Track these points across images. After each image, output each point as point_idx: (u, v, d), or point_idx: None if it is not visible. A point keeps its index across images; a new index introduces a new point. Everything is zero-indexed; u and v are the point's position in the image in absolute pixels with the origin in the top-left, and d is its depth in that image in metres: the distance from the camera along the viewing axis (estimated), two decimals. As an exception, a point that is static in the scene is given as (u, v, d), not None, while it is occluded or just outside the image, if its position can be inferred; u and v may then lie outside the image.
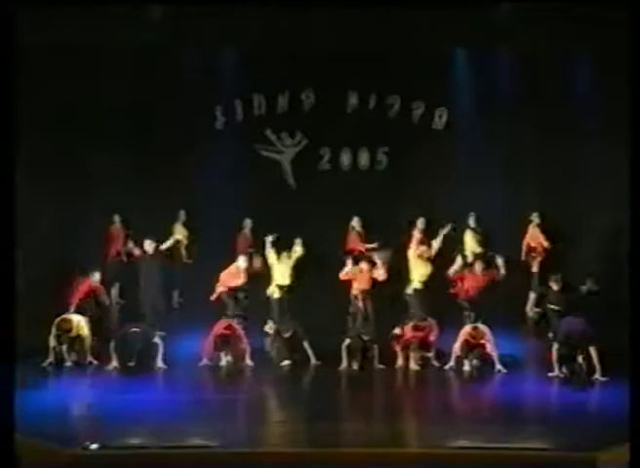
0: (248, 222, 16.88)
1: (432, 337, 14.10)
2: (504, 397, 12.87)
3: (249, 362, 14.03)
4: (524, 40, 16.77)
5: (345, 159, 17.81)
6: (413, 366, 13.92)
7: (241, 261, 15.30)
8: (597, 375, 13.13)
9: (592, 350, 13.19)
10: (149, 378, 13.52)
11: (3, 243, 9.96)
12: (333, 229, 16.89)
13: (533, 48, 16.97)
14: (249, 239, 16.82)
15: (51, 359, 13.87)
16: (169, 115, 17.12)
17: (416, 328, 14.02)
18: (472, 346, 13.67)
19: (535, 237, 16.97)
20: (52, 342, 13.87)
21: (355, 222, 17.09)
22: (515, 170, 17.56)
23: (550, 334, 14.48)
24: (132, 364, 13.84)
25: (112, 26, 16.25)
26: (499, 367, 13.57)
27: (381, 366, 13.87)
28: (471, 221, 17.03)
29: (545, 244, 16.85)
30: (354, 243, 17.03)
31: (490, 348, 13.66)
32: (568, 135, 17.34)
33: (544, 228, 16.93)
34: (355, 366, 13.87)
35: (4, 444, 9.32)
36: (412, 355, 13.93)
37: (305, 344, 14.08)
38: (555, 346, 13.41)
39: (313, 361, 14.02)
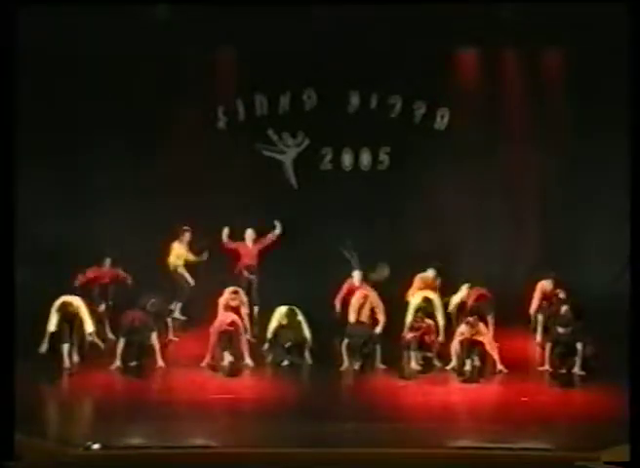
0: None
1: (430, 338, 14.08)
2: (505, 397, 12.90)
3: (249, 361, 14.02)
4: (527, 39, 16.75)
5: (347, 159, 17.79)
6: (414, 365, 13.94)
7: None
8: (576, 369, 13.32)
9: (579, 345, 13.34)
10: (150, 378, 13.55)
11: (3, 240, 10.03)
12: (333, 229, 16.85)
13: (535, 47, 16.96)
14: (250, 242, 16.64)
15: (46, 344, 13.49)
16: (170, 115, 17.10)
17: (412, 328, 14.05)
18: (472, 345, 13.65)
19: None
20: (51, 327, 13.44)
21: None
22: (517, 170, 17.54)
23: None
24: (133, 364, 13.85)
25: (112, 26, 16.23)
26: (500, 367, 13.58)
27: (383, 366, 13.88)
28: None
29: None
30: None
31: (489, 348, 13.66)
32: (572, 133, 17.31)
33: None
34: (356, 366, 13.88)
35: (4, 444, 9.36)
36: (412, 355, 13.95)
37: (306, 352, 14.10)
38: (548, 345, 13.61)
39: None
